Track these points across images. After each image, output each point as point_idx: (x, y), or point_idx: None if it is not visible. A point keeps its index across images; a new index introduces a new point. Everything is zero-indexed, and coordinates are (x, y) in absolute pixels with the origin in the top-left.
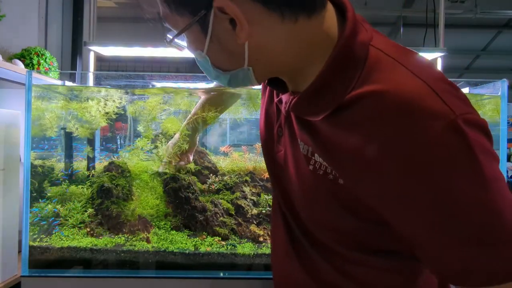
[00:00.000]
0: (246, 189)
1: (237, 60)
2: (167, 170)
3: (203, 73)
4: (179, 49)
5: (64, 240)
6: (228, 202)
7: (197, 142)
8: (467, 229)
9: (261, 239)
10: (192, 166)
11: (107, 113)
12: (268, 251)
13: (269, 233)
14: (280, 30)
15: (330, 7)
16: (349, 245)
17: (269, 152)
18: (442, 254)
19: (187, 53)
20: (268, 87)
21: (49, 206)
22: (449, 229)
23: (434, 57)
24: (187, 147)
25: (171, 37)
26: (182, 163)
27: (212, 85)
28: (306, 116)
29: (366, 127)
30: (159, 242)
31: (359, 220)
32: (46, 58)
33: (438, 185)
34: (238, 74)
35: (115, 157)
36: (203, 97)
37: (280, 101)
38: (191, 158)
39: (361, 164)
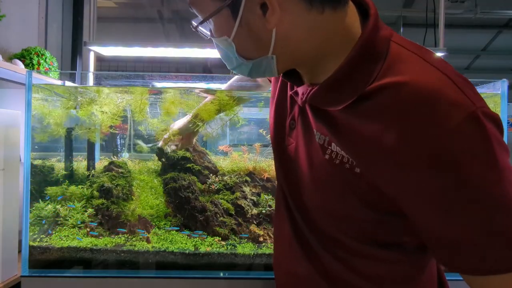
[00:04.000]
0: (246, 189)
1: (262, 47)
2: (168, 149)
3: (203, 73)
4: (204, 37)
5: (64, 240)
6: (228, 202)
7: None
8: (482, 217)
9: (261, 239)
10: (189, 154)
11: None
12: (268, 251)
13: (269, 233)
14: (307, 19)
15: (352, 6)
16: (358, 237)
17: (279, 145)
18: (455, 241)
19: (188, 53)
20: (279, 82)
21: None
22: (464, 216)
23: None
24: (195, 129)
25: (195, 24)
26: (184, 141)
27: (224, 85)
28: (325, 106)
29: (387, 116)
30: (159, 242)
31: (373, 210)
32: (46, 58)
33: (456, 173)
34: (261, 62)
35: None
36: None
37: (296, 93)
38: (193, 141)
39: (380, 152)
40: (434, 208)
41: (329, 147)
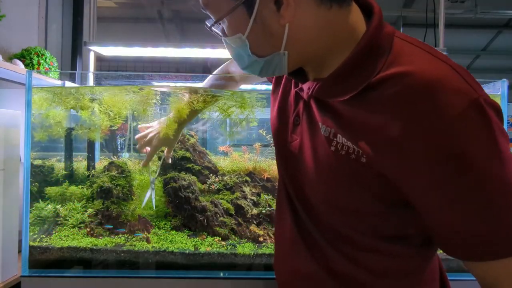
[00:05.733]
0: (246, 189)
1: (275, 43)
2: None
3: (203, 73)
4: (218, 36)
5: (64, 240)
6: (228, 202)
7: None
8: (484, 203)
9: (261, 239)
10: (189, 154)
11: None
12: (268, 251)
13: (269, 233)
14: (316, 15)
15: (355, 6)
16: (364, 231)
17: (281, 142)
18: (459, 227)
19: (188, 53)
20: (282, 81)
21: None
22: (468, 202)
23: None
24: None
25: (209, 24)
26: (170, 155)
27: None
28: (331, 98)
29: (392, 106)
30: (159, 242)
31: (379, 202)
32: (46, 58)
33: (459, 160)
34: (273, 59)
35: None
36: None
37: (301, 90)
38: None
39: (386, 142)
40: (439, 195)
41: (335, 139)
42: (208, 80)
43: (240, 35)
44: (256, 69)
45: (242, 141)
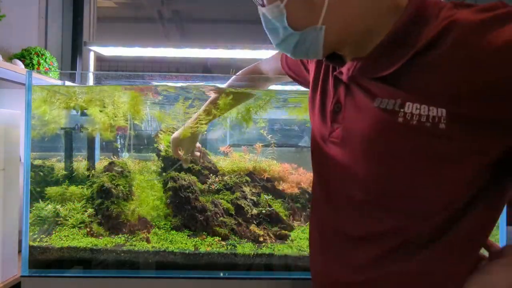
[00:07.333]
0: (246, 189)
1: (313, 14)
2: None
3: (203, 73)
4: (259, 4)
5: (64, 240)
6: (228, 202)
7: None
8: None
9: (261, 239)
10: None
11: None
12: (268, 250)
13: (269, 233)
14: None
15: None
16: (423, 221)
17: (322, 135)
18: None
19: (188, 53)
20: (321, 72)
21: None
22: None
23: None
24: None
25: None
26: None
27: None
28: (381, 71)
29: (459, 53)
30: (159, 242)
31: (463, 165)
32: (46, 58)
33: None
34: (309, 35)
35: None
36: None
37: (341, 73)
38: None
39: (475, 88)
40: None
41: (401, 110)
42: (233, 80)
43: (278, 3)
44: (290, 45)
45: (242, 141)
